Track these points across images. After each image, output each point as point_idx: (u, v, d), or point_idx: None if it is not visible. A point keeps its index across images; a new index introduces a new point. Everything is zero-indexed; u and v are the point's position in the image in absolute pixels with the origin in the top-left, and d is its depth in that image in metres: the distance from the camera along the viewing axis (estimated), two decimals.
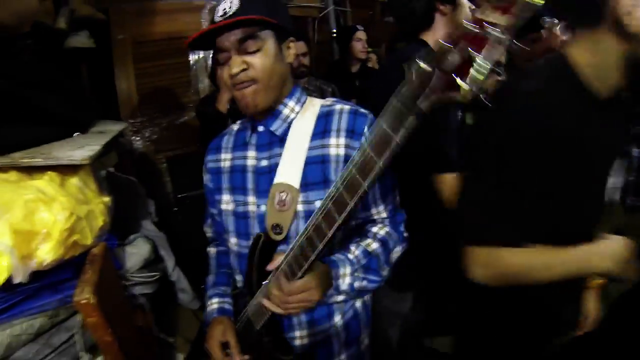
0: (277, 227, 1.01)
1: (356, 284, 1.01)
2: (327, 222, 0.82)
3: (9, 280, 1.06)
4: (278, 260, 0.96)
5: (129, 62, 2.91)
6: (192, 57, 3.08)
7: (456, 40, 0.62)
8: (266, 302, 0.98)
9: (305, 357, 1.13)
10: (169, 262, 1.69)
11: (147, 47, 2.96)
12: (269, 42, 0.97)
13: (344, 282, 1.00)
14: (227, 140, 1.18)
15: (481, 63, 0.60)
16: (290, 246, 0.92)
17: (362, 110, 1.04)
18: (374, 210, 1.09)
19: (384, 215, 1.10)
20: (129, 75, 2.91)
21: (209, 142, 1.23)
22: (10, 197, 1.10)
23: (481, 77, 0.60)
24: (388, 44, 4.42)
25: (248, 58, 0.96)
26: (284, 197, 1.00)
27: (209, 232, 1.33)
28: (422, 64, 0.66)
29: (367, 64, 3.45)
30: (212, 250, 1.31)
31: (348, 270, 1.00)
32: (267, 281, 1.00)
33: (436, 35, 1.68)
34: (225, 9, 0.95)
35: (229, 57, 0.97)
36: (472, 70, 0.61)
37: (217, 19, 0.95)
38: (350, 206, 0.78)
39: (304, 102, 1.08)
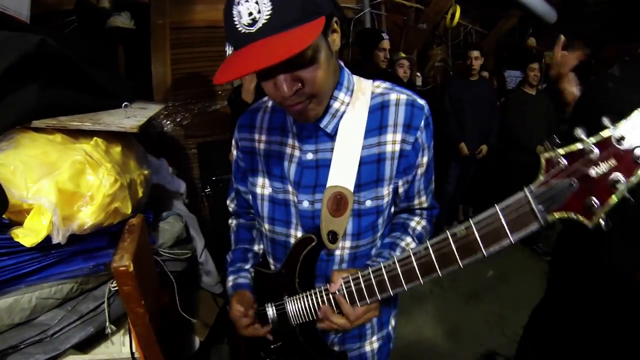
0: (332, 234, 0.97)
1: None
2: (407, 277, 0.82)
3: (45, 241, 1.03)
4: (338, 283, 0.93)
5: (166, 47, 2.94)
6: (228, 47, 3.09)
7: (605, 155, 0.56)
8: (324, 325, 0.96)
9: (339, 342, 1.13)
10: (199, 243, 1.68)
11: (184, 34, 2.99)
12: (320, 46, 0.79)
13: None
14: (262, 119, 1.08)
15: (624, 192, 0.55)
16: (357, 276, 0.91)
17: (419, 101, 0.95)
18: (416, 201, 1.08)
19: (425, 205, 1.10)
20: (165, 60, 2.94)
21: None
22: (58, 157, 1.09)
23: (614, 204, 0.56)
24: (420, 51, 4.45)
25: (300, 73, 0.79)
26: (339, 203, 0.95)
27: (231, 205, 1.28)
28: (564, 163, 0.59)
29: (387, 72, 3.38)
30: (233, 223, 1.29)
31: None
32: (316, 292, 0.98)
33: None
34: (251, 12, 0.71)
35: (273, 72, 0.79)
36: (612, 198, 0.56)
37: (243, 29, 0.73)
38: (437, 275, 0.78)
39: (353, 89, 0.98)
